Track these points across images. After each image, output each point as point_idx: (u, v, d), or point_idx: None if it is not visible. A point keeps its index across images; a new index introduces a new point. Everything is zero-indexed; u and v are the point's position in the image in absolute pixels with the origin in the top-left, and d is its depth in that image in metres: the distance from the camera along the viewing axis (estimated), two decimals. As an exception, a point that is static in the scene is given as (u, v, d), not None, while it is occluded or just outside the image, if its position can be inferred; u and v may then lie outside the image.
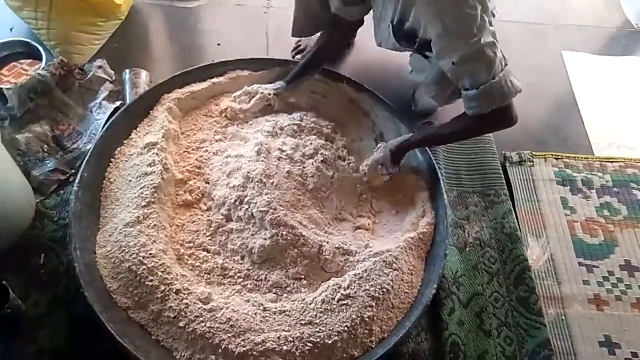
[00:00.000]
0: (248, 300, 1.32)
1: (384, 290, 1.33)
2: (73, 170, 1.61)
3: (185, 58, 2.03)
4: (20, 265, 1.42)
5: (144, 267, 1.28)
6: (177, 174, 1.54)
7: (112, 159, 1.54)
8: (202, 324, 1.23)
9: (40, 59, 1.85)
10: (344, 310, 1.29)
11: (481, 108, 1.34)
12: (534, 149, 1.88)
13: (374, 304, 1.31)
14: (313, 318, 1.28)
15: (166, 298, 1.26)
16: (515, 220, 1.67)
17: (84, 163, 1.47)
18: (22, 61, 1.88)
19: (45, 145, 1.66)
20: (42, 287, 1.40)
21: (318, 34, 1.80)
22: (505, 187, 1.75)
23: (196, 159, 1.61)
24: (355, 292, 1.31)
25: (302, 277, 1.40)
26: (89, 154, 1.49)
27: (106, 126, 1.58)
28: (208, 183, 1.55)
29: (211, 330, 1.23)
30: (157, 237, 1.36)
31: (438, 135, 1.56)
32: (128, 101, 1.72)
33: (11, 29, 1.98)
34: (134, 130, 1.61)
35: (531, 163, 1.84)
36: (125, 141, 1.58)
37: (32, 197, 1.52)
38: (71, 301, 1.37)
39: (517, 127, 1.92)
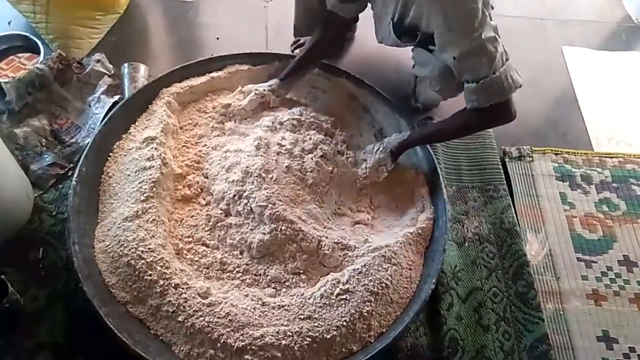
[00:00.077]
0: (247, 295, 1.32)
1: (383, 285, 1.33)
2: (71, 165, 1.61)
3: (184, 52, 2.02)
4: (19, 259, 1.42)
5: (143, 261, 1.28)
6: (176, 169, 1.53)
7: (110, 154, 1.53)
8: (201, 318, 1.23)
9: (39, 53, 1.84)
10: (343, 305, 1.29)
11: (480, 102, 1.33)
12: (534, 144, 1.88)
13: (372, 299, 1.31)
14: (312, 313, 1.28)
15: (165, 292, 1.26)
16: (515, 216, 1.67)
17: (82, 157, 1.47)
18: (20, 55, 1.87)
19: (44, 140, 1.65)
20: (40, 282, 1.39)
21: None
22: (505, 182, 1.75)
23: (195, 154, 1.60)
24: (354, 287, 1.31)
25: (301, 272, 1.40)
26: (87, 148, 1.49)
27: (105, 120, 1.57)
28: (207, 178, 1.55)
29: (210, 325, 1.23)
30: (155, 231, 1.36)
31: (438, 132, 1.56)
32: (127, 95, 1.71)
33: (9, 23, 1.97)
34: (132, 125, 1.60)
35: (530, 158, 1.83)
36: (123, 135, 1.58)
37: (30, 192, 1.52)
38: (70, 296, 1.37)
39: (516, 122, 1.92)
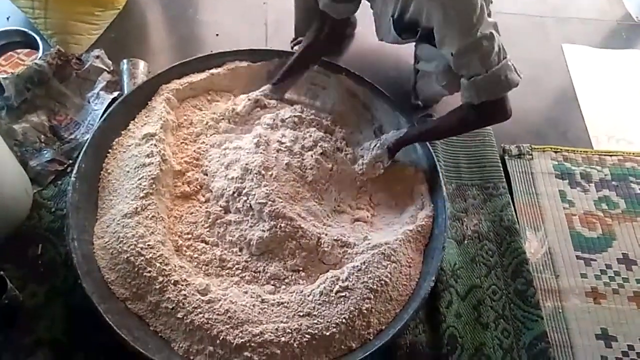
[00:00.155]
0: (246, 292, 1.32)
1: (382, 282, 1.33)
2: (70, 161, 1.61)
3: (184, 49, 2.01)
4: (18, 256, 1.42)
5: (142, 258, 1.28)
6: (175, 165, 1.53)
7: (109, 150, 1.53)
8: (200, 315, 1.23)
9: (38, 49, 1.83)
10: (342, 303, 1.29)
11: (472, 98, 1.34)
12: (534, 142, 1.88)
13: (372, 296, 1.31)
14: (311, 310, 1.28)
15: (164, 289, 1.26)
16: (514, 213, 1.67)
17: (81, 154, 1.46)
18: (19, 51, 1.87)
19: (43, 136, 1.65)
20: (39, 278, 1.39)
21: None
22: (504, 180, 1.75)
23: (194, 151, 1.60)
24: (353, 285, 1.31)
25: (301, 269, 1.40)
26: (86, 144, 1.48)
27: (104, 117, 1.56)
28: (206, 175, 1.54)
29: (209, 322, 1.23)
30: (155, 228, 1.35)
31: (435, 129, 1.56)
32: (126, 92, 1.71)
33: (8, 18, 1.97)
34: (131, 121, 1.60)
35: (530, 156, 1.83)
36: (123, 132, 1.57)
37: (29, 188, 1.52)
38: (69, 292, 1.37)
39: (516, 120, 1.92)
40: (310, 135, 1.62)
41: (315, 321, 1.26)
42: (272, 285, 1.37)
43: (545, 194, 1.76)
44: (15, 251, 1.42)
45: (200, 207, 1.49)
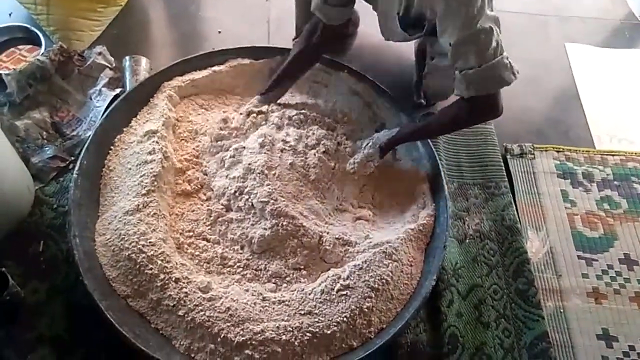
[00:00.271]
0: (247, 290, 1.32)
1: (384, 281, 1.33)
2: (72, 158, 1.60)
3: (186, 46, 2.01)
4: (19, 252, 1.42)
5: (144, 255, 1.28)
6: (177, 163, 1.53)
7: (111, 147, 1.53)
8: (202, 312, 1.23)
9: (40, 45, 1.83)
10: (343, 301, 1.29)
11: (462, 91, 1.34)
12: (535, 141, 1.88)
13: (373, 295, 1.31)
14: (312, 308, 1.28)
15: (166, 287, 1.26)
16: (516, 213, 1.67)
17: (83, 150, 1.46)
18: (20, 47, 1.86)
19: (45, 132, 1.65)
20: (41, 275, 1.39)
21: None
22: (506, 179, 1.75)
23: (194, 148, 1.60)
24: (354, 283, 1.31)
25: (302, 267, 1.40)
26: (88, 141, 1.48)
27: (106, 114, 1.56)
28: (206, 175, 1.54)
29: (210, 319, 1.22)
30: (156, 225, 1.35)
31: (427, 127, 1.56)
32: (128, 88, 1.71)
33: (10, 14, 1.96)
34: (133, 118, 1.59)
35: (532, 155, 1.83)
36: (125, 129, 1.57)
37: (31, 184, 1.52)
38: (70, 289, 1.37)
39: (518, 119, 1.95)
40: (313, 133, 1.61)
41: (317, 319, 1.26)
42: (274, 283, 1.37)
43: (547, 194, 1.76)
44: (17, 248, 1.42)
45: (202, 205, 1.49)
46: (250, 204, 1.43)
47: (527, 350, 1.43)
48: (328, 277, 1.34)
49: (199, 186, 1.53)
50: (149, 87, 1.65)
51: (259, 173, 1.45)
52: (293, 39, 2.02)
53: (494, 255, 1.58)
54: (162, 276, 1.26)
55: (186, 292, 1.25)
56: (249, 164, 1.47)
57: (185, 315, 1.23)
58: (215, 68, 1.74)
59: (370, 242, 1.42)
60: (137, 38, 2.00)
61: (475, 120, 1.52)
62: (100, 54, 1.81)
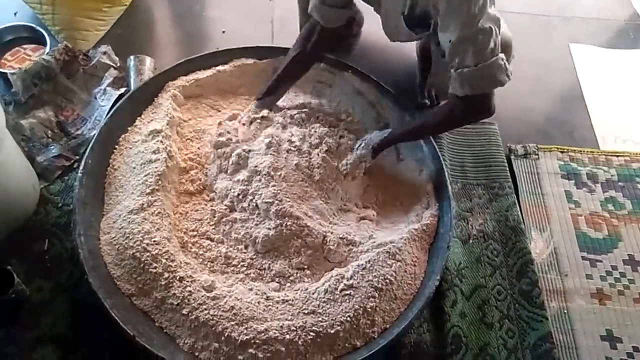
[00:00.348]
0: (251, 289, 1.32)
1: (387, 281, 1.33)
2: (77, 157, 1.61)
3: (190, 45, 2.02)
4: (24, 250, 1.42)
5: (148, 254, 1.28)
6: (181, 162, 1.53)
7: (116, 146, 1.53)
8: (206, 311, 1.23)
9: (45, 44, 1.83)
10: (347, 301, 1.29)
11: (456, 90, 1.35)
12: (540, 141, 1.88)
13: (376, 295, 1.31)
14: (316, 308, 1.28)
15: (170, 285, 1.26)
16: (519, 213, 1.67)
17: (88, 150, 1.47)
18: (25, 46, 1.87)
19: (50, 131, 1.65)
20: (45, 273, 1.39)
21: None
22: (510, 179, 1.75)
23: (198, 148, 1.60)
24: (358, 283, 1.31)
25: (306, 267, 1.40)
26: (93, 140, 1.48)
27: (110, 113, 1.57)
28: (207, 176, 1.54)
29: (214, 318, 1.23)
30: (161, 224, 1.35)
31: (420, 127, 1.56)
32: (132, 88, 1.71)
33: (15, 14, 1.97)
34: (138, 118, 1.60)
35: (536, 156, 1.83)
36: (129, 128, 1.57)
37: (36, 183, 1.52)
38: (75, 287, 1.37)
39: (522, 119, 1.95)
40: (315, 131, 1.61)
41: (320, 319, 1.26)
42: (277, 282, 1.37)
43: (551, 194, 1.75)
44: (22, 246, 1.43)
45: (206, 204, 1.50)
46: (254, 204, 1.43)
47: (530, 351, 1.42)
48: (332, 276, 1.34)
49: (202, 187, 1.53)
50: (153, 86, 1.65)
51: (265, 174, 1.45)
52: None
53: (497, 255, 1.58)
54: (166, 275, 1.27)
55: (190, 291, 1.26)
56: (255, 166, 1.47)
57: (189, 314, 1.23)
58: (220, 68, 1.74)
59: (374, 242, 1.42)
60: (141, 38, 2.01)
61: (468, 120, 1.53)
62: (105, 53, 1.82)
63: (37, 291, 1.37)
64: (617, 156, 1.88)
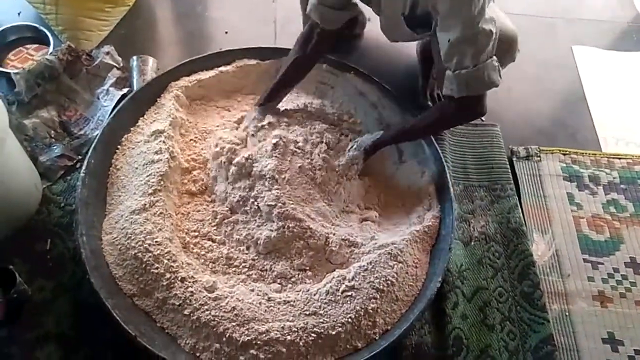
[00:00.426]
0: (253, 290, 1.33)
1: (389, 282, 1.33)
2: (80, 157, 1.61)
3: (193, 46, 2.02)
4: (26, 250, 1.43)
5: (150, 254, 1.29)
6: (184, 163, 1.53)
7: (118, 146, 1.54)
8: (207, 312, 1.24)
9: (48, 44, 1.84)
10: (348, 302, 1.29)
11: (453, 91, 1.35)
12: (542, 143, 1.87)
13: (378, 296, 1.31)
14: (317, 309, 1.28)
15: (171, 286, 1.26)
16: (521, 215, 1.66)
17: (90, 150, 1.47)
18: (28, 46, 1.88)
19: (52, 131, 1.66)
20: (47, 273, 1.40)
21: None
22: (512, 181, 1.75)
23: (202, 149, 1.60)
24: (359, 284, 1.31)
25: (307, 268, 1.40)
26: (95, 140, 1.49)
27: (113, 113, 1.57)
28: (209, 177, 1.54)
29: (216, 319, 1.23)
30: (163, 225, 1.36)
31: (412, 128, 1.55)
32: (135, 88, 1.72)
33: (19, 14, 1.98)
34: (141, 118, 1.60)
35: (538, 158, 1.83)
36: (132, 128, 1.58)
37: (39, 183, 1.53)
38: (77, 287, 1.38)
39: (524, 121, 1.95)
40: (315, 128, 1.61)
41: (321, 320, 1.26)
42: (279, 283, 1.37)
43: (553, 196, 1.75)
44: (24, 246, 1.43)
45: (207, 206, 1.50)
46: (256, 206, 1.43)
47: (532, 353, 1.42)
48: (333, 278, 1.34)
49: (204, 187, 1.53)
50: (156, 87, 1.66)
51: (269, 178, 1.44)
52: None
53: (499, 257, 1.58)
54: (168, 275, 1.27)
55: (192, 292, 1.26)
56: (260, 171, 1.46)
57: (191, 314, 1.24)
58: (222, 68, 1.75)
59: (376, 243, 1.42)
60: (144, 38, 2.01)
61: (461, 121, 1.53)
62: (108, 53, 1.82)
63: (39, 291, 1.37)
64: (620, 158, 1.87)
